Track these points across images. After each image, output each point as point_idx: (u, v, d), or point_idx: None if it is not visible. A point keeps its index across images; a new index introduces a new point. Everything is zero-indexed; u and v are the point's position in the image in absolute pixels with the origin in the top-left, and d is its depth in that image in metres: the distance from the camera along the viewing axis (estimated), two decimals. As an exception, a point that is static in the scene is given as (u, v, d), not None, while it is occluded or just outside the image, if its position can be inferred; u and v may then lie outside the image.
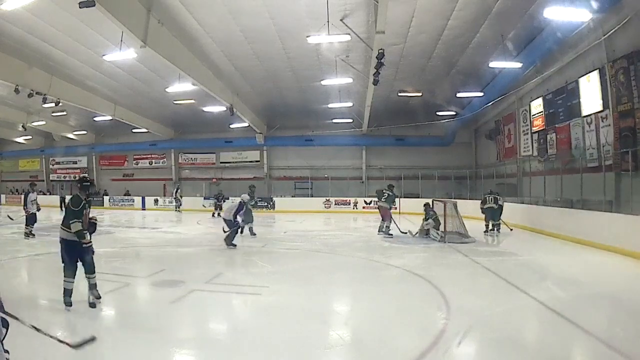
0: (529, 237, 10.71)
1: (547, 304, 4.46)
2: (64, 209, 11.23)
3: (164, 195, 23.85)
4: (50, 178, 28.70)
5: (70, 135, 25.01)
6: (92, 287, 4.45)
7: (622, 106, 9.63)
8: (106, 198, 24.19)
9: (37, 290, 5.53)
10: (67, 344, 3.50)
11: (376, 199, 11.92)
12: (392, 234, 10.22)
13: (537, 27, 10.50)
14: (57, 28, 11.17)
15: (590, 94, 10.82)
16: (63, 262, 4.36)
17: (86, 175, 4.95)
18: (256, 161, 24.57)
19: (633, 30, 8.87)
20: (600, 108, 10.50)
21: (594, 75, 10.55)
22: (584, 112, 11.27)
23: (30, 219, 9.81)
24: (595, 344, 3.47)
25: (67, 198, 15.07)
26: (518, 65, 11.87)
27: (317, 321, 4.11)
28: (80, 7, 7.59)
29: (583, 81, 11.11)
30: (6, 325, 1.12)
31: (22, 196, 9.81)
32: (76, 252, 4.33)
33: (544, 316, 4.22)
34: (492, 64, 12.14)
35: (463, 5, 9.87)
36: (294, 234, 10.96)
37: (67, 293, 4.34)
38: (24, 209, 9.91)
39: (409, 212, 15.99)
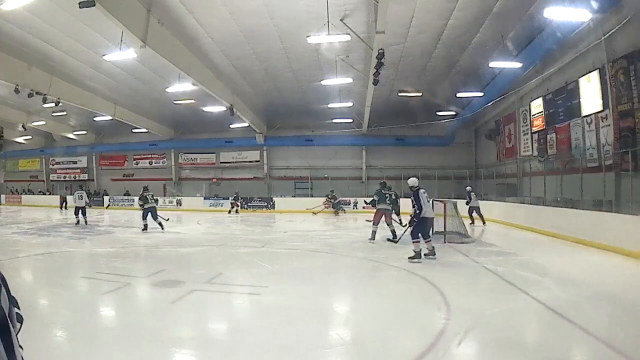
0: (529, 237, 10.71)
1: (547, 304, 4.45)
2: (65, 208, 11.99)
3: (164, 196, 23.86)
4: (50, 178, 28.70)
5: (70, 135, 25.04)
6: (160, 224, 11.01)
7: (622, 106, 9.64)
8: (106, 198, 24.20)
9: (37, 290, 5.52)
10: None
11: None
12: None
13: (537, 27, 10.51)
14: (57, 28, 11.19)
15: (590, 94, 10.83)
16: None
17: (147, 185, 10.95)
18: (256, 161, 24.58)
19: (633, 30, 8.88)
20: (600, 108, 10.51)
21: (594, 75, 10.56)
22: (584, 112, 11.28)
23: (77, 211, 12.92)
24: (595, 344, 3.47)
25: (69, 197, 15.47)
26: (518, 65, 11.88)
27: (317, 321, 4.11)
28: (80, 7, 7.61)
29: (583, 81, 11.11)
30: (21, 320, 1.14)
31: (81, 195, 13.15)
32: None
33: (544, 316, 4.21)
34: (492, 64, 12.16)
35: (463, 5, 9.88)
36: (294, 234, 10.95)
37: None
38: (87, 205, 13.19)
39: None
